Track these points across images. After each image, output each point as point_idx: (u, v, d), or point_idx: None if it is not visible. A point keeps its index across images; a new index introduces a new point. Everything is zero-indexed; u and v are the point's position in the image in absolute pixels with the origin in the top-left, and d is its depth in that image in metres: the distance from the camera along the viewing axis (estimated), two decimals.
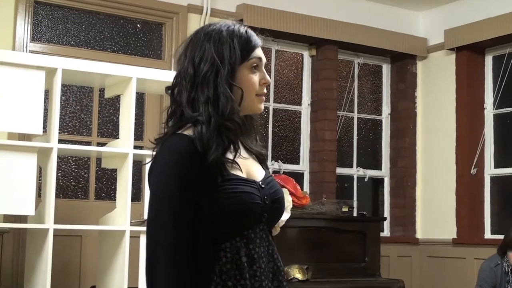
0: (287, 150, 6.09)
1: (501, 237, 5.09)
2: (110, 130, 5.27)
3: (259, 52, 1.96)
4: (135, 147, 4.18)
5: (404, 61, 6.53)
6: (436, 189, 6.29)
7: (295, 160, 6.10)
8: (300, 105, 6.17)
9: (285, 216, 2.04)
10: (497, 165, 6.13)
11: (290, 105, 6.13)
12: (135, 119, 4.17)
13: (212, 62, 1.88)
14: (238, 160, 1.93)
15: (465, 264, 5.85)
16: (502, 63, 6.09)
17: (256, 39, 1.97)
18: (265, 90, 1.98)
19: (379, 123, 6.60)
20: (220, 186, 1.87)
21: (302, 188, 5.67)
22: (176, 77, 1.95)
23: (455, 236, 6.06)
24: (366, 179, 6.43)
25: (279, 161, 5.96)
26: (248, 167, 1.98)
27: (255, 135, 2.06)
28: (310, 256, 5.13)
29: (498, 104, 6.13)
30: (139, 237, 4.06)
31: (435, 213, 6.27)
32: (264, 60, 1.99)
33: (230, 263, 1.87)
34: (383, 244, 5.67)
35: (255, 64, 1.95)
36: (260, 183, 1.96)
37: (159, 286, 1.80)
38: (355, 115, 6.46)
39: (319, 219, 5.32)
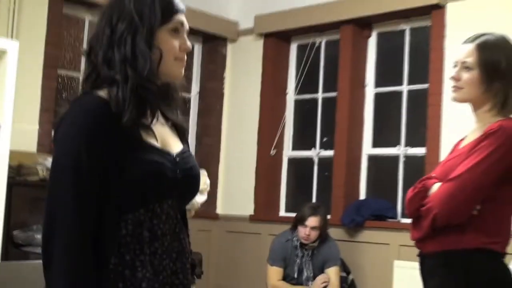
0: None
1: (294, 215, 5.31)
2: None
3: (181, 17, 1.86)
4: None
5: (215, 43, 6.59)
6: (237, 167, 6.41)
7: None
8: None
9: (201, 198, 2.06)
10: (294, 148, 6.35)
11: None
12: None
13: (131, 20, 1.78)
14: (154, 128, 1.82)
15: (260, 239, 6.01)
16: (305, 52, 6.29)
17: (179, 4, 1.88)
18: (185, 56, 1.87)
19: (187, 101, 6.63)
20: (131, 152, 1.74)
21: None
22: (91, 39, 1.83)
23: (252, 213, 6.22)
24: None
25: None
26: (164, 137, 1.85)
27: (176, 105, 1.94)
28: None
29: (299, 90, 6.34)
30: None
31: (235, 191, 6.40)
32: (186, 26, 1.88)
33: (130, 236, 1.73)
34: None
35: (176, 28, 1.84)
36: (174, 155, 1.84)
37: (56, 255, 1.65)
38: None
39: None
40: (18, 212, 4.48)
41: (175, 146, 1.88)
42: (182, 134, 1.95)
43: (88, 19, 5.86)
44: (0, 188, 4.16)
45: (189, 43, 1.88)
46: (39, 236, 4.54)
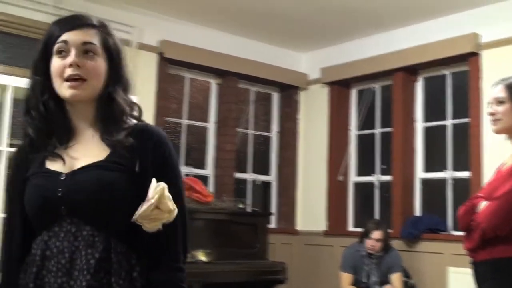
0: (197, 158, 6.04)
1: (360, 229, 5.24)
2: None
3: (65, 36, 1.51)
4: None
5: (289, 91, 6.61)
6: (312, 191, 6.35)
7: (203, 166, 6.07)
8: (208, 122, 6.15)
9: (144, 206, 1.43)
10: (358, 174, 6.28)
11: (200, 122, 6.10)
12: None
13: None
14: (61, 151, 1.53)
15: (333, 250, 5.93)
16: (363, 96, 6.26)
17: (64, 25, 1.52)
18: (71, 72, 1.48)
19: (269, 139, 6.66)
20: (31, 178, 1.53)
21: (207, 189, 5.66)
22: None
23: (325, 229, 6.16)
24: (258, 183, 6.47)
25: (190, 166, 5.92)
26: (75, 158, 1.53)
27: (116, 124, 1.55)
28: (213, 243, 5.11)
29: (361, 126, 6.28)
30: None
31: (311, 211, 6.33)
32: (75, 42, 1.50)
33: (33, 256, 1.51)
34: (270, 234, 5.70)
35: (59, 49, 1.51)
36: (63, 174, 1.51)
37: None
38: (250, 131, 6.49)
39: (220, 213, 5.31)
40: None
41: (82, 163, 1.53)
42: (112, 149, 1.54)
43: (188, 76, 6.00)
44: None
45: (71, 58, 1.50)
46: None
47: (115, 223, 1.49)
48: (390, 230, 5.26)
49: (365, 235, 4.97)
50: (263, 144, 6.63)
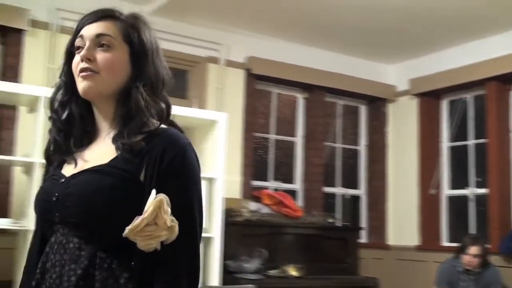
0: (285, 172, 6.03)
1: (455, 244, 5.04)
2: None
3: (82, 31, 1.41)
4: None
5: (377, 103, 6.51)
6: (403, 205, 6.20)
7: (291, 180, 6.05)
8: (296, 136, 6.13)
9: (137, 221, 1.23)
10: (452, 187, 6.07)
11: (288, 136, 6.09)
12: None
13: None
14: (78, 153, 1.42)
15: (426, 266, 5.75)
16: (455, 106, 6.06)
17: (81, 20, 1.43)
18: (82, 66, 1.38)
19: (357, 152, 6.56)
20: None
21: (297, 203, 5.62)
22: None
23: (418, 243, 5.99)
24: (347, 197, 6.38)
25: (279, 181, 5.91)
26: (86, 161, 1.40)
27: (132, 125, 1.37)
28: (303, 258, 5.07)
29: (453, 138, 6.09)
30: None
31: (403, 225, 6.18)
32: (88, 35, 1.40)
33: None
34: (361, 248, 5.60)
35: (77, 45, 1.41)
36: (64, 177, 1.39)
37: None
38: (338, 145, 6.42)
39: (310, 228, 5.27)
40: (230, 246, 4.56)
41: (91, 165, 1.38)
42: (119, 152, 1.37)
43: (275, 91, 6.01)
44: (216, 227, 4.24)
45: (84, 52, 1.39)
46: (247, 265, 4.61)
47: (106, 236, 1.30)
48: (487, 245, 5.02)
49: (461, 250, 4.77)
50: (351, 157, 6.54)
